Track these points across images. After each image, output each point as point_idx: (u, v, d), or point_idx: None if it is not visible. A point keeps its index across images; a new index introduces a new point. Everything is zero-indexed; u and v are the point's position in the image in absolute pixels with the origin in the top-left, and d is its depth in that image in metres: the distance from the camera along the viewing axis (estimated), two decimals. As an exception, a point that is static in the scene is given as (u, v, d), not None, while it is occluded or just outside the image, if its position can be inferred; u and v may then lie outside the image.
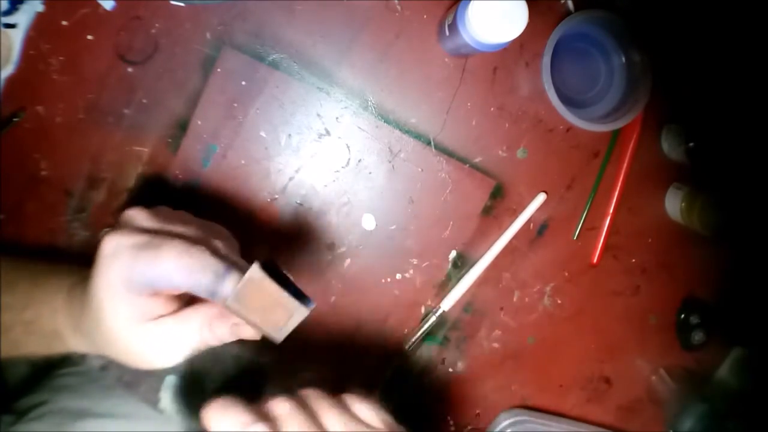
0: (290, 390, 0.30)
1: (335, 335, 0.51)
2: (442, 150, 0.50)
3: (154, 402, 0.48)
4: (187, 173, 0.48)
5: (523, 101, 0.50)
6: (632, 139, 0.53)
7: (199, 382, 0.40)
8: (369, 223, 0.50)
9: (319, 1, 0.46)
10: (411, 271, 0.52)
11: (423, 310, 0.52)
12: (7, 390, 0.49)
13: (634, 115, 0.48)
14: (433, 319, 0.51)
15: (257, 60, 0.46)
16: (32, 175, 0.46)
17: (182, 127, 0.47)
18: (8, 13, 0.42)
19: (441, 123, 0.50)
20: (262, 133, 0.48)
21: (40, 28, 0.43)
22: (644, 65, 0.49)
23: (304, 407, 0.29)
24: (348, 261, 0.51)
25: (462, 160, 0.50)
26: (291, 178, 0.49)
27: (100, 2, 0.44)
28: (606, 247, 0.54)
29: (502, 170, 0.51)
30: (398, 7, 0.47)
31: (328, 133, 0.49)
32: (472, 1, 0.38)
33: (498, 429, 0.55)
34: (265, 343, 0.31)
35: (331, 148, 0.49)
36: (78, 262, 0.37)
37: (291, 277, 0.31)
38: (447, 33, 0.44)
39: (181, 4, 0.44)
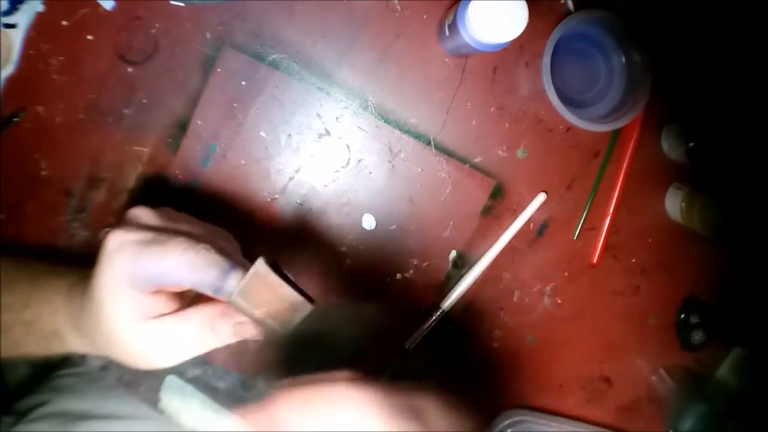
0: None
1: (335, 335, 0.51)
2: (442, 150, 0.50)
3: (154, 402, 0.48)
4: (187, 173, 0.48)
5: (523, 101, 0.50)
6: (632, 139, 0.53)
7: None
8: (369, 223, 0.50)
9: (319, 1, 0.46)
10: (411, 271, 0.52)
11: (423, 310, 0.52)
12: (7, 391, 0.49)
13: (634, 115, 0.48)
14: (433, 319, 0.51)
15: (257, 60, 0.46)
16: (32, 175, 0.46)
17: (182, 127, 0.47)
18: (8, 13, 0.42)
19: (441, 123, 0.50)
20: (262, 133, 0.48)
21: (40, 28, 0.43)
22: (644, 65, 0.49)
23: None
24: (348, 261, 0.51)
25: (462, 160, 0.50)
26: (291, 178, 0.49)
27: (100, 2, 0.44)
28: (606, 247, 0.54)
29: (502, 170, 0.51)
30: (398, 7, 0.47)
31: (328, 133, 0.49)
32: (472, 1, 0.38)
33: (498, 429, 0.55)
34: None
35: (331, 148, 0.49)
36: (78, 262, 0.37)
37: (292, 277, 0.31)
38: (447, 33, 0.44)
39: (181, 4, 0.44)
